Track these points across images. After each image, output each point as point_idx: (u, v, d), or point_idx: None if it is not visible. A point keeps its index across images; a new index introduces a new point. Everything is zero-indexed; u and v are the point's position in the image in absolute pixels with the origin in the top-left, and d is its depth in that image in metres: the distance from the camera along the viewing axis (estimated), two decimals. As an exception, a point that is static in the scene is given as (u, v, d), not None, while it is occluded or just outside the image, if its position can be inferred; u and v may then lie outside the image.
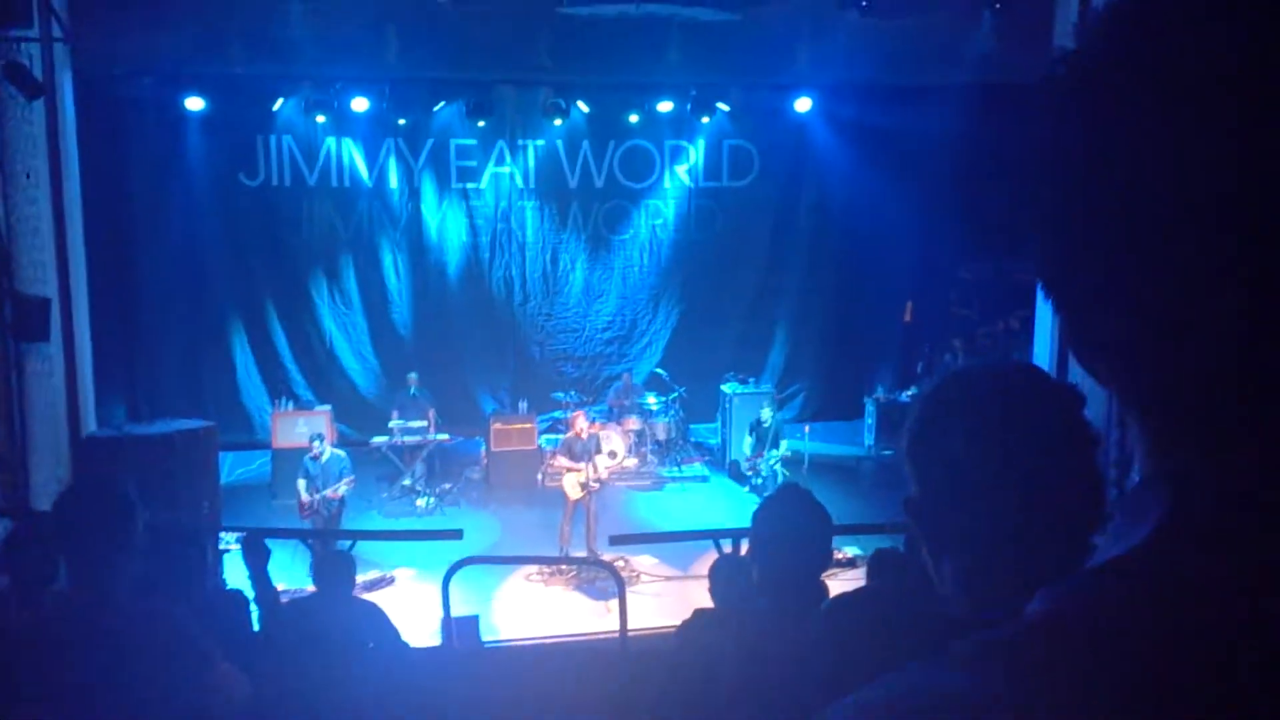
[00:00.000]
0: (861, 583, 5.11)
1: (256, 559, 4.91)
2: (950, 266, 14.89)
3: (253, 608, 4.93)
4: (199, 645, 2.71)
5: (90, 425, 9.85)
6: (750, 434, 13.07)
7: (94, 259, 10.51)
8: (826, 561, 2.95)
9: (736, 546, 5.81)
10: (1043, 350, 9.77)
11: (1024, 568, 1.24)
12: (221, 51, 11.47)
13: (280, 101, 14.00)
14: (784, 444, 12.83)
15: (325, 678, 4.34)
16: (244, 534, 4.74)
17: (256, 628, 4.94)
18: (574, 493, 10.89)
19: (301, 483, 10.80)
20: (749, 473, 13.02)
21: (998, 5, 11.50)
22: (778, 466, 12.57)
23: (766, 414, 13.03)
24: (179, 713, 2.59)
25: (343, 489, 10.82)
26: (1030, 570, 1.26)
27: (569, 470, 10.94)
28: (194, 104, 13.43)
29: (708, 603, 4.14)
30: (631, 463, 13.75)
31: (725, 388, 14.50)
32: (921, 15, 11.77)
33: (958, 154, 13.95)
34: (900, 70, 12.93)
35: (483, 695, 4.86)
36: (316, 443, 10.85)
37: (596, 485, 10.93)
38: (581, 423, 11.24)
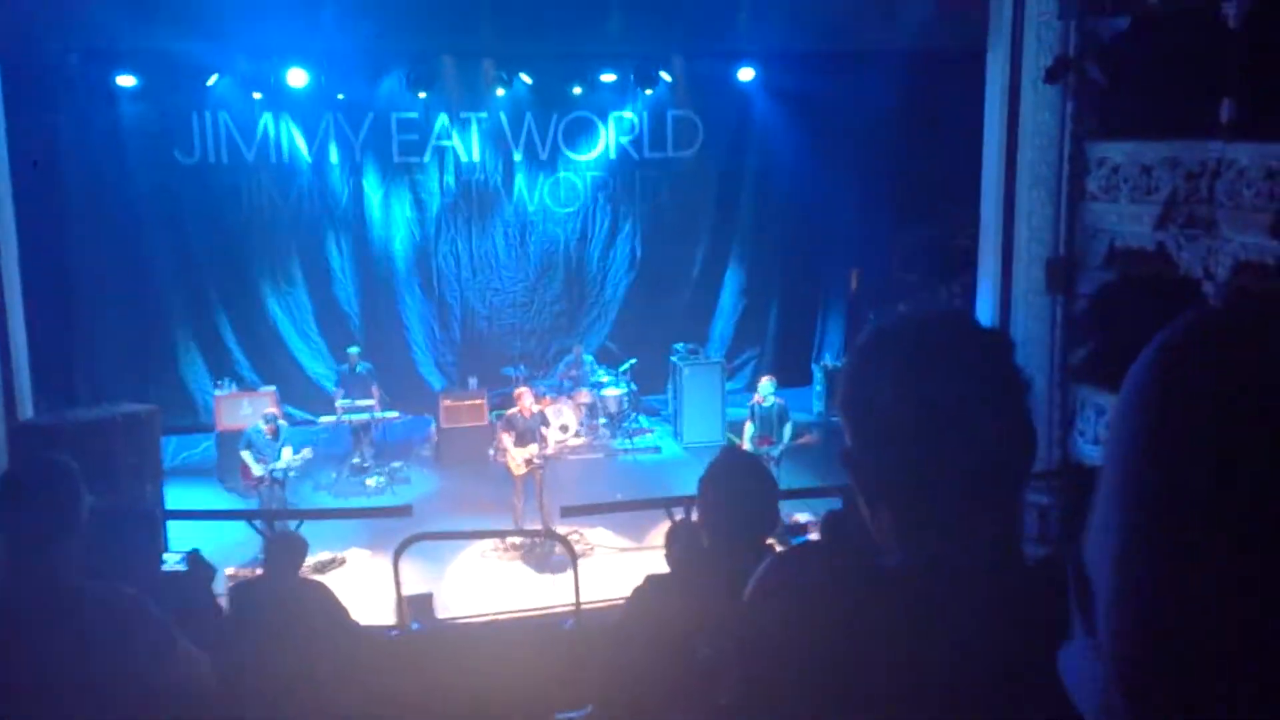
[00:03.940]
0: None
1: (201, 576, 4.78)
2: (892, 233, 15.03)
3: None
4: (160, 625, 2.67)
5: (28, 412, 9.62)
6: (751, 420, 11.43)
7: (26, 242, 10.20)
8: (774, 522, 2.97)
9: (688, 514, 5.83)
10: (984, 314, 9.91)
11: (956, 515, 1.25)
12: (151, 25, 11.12)
13: (215, 77, 13.65)
14: (789, 427, 11.24)
15: (273, 659, 4.29)
16: (187, 554, 4.63)
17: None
18: (518, 469, 10.84)
19: (247, 454, 10.65)
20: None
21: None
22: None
23: (767, 389, 11.40)
24: (147, 691, 2.55)
25: (300, 458, 10.74)
26: (963, 517, 1.27)
27: (514, 447, 10.86)
28: (125, 81, 13.07)
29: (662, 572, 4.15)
30: (577, 439, 13.51)
31: (674, 359, 14.50)
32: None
33: (896, 121, 14.07)
34: (841, 37, 12.94)
35: (435, 672, 4.85)
36: (268, 424, 10.76)
37: (540, 462, 10.86)
38: (527, 400, 11.15)
